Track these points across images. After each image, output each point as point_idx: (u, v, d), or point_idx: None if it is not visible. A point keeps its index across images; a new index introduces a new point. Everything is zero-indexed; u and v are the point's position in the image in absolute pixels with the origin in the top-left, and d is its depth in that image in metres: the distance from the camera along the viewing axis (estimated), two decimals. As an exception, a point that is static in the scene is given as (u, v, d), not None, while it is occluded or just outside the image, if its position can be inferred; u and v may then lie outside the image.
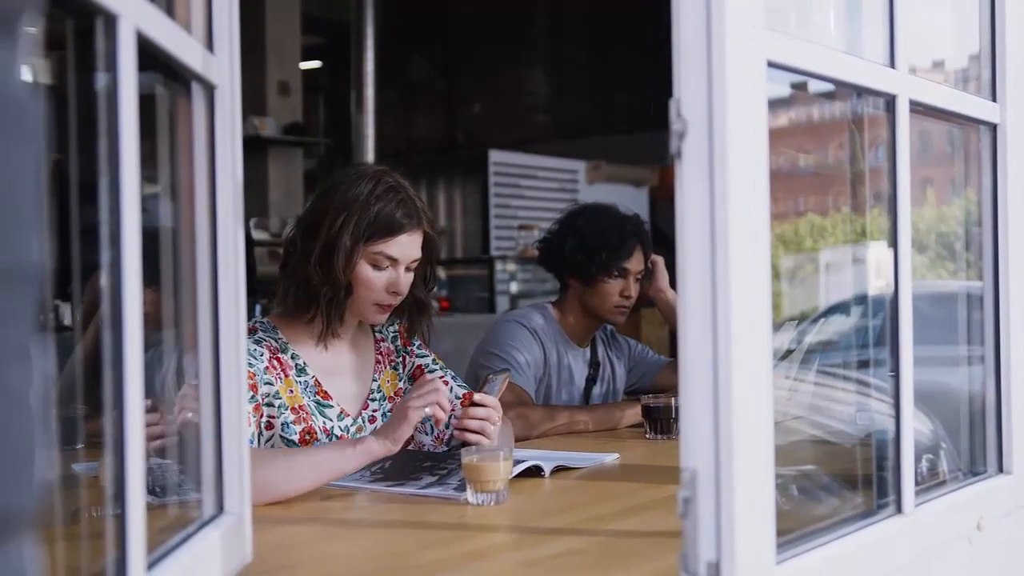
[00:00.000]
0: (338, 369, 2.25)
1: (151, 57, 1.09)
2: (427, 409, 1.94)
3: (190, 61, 1.23)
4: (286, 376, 2.15)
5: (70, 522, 1.17)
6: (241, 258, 1.38)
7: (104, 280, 1.00)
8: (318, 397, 2.18)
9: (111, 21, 0.98)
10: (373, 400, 2.28)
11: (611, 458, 2.31)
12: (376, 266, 2.15)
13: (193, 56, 1.24)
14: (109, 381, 0.98)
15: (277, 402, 2.10)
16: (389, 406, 2.29)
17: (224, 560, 1.30)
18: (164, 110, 1.30)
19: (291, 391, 2.14)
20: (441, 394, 1.97)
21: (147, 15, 1.05)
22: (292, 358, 2.18)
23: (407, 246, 2.17)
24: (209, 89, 1.32)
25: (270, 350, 2.14)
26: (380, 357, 2.34)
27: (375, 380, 2.30)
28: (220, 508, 1.35)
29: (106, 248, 0.99)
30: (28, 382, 0.53)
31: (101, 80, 1.00)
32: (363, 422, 2.24)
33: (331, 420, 2.18)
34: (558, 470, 2.14)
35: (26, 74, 0.55)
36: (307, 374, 2.18)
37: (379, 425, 2.21)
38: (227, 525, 1.33)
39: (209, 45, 1.33)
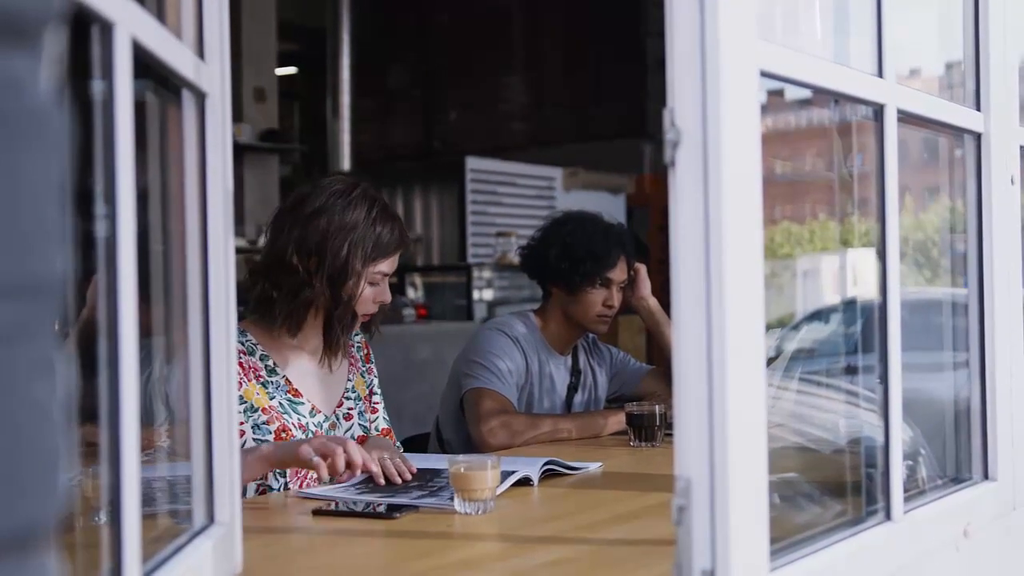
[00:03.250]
0: (311, 369, 2.32)
1: (143, 64, 1.09)
2: (315, 458, 1.92)
3: (182, 69, 1.22)
4: (252, 379, 2.21)
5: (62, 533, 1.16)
6: (232, 267, 1.38)
7: (99, 287, 0.99)
8: (289, 395, 2.25)
9: (107, 29, 0.97)
10: (348, 398, 2.37)
11: (595, 467, 2.31)
12: (372, 284, 2.27)
13: (185, 64, 1.24)
14: (105, 391, 0.98)
15: (242, 406, 2.15)
16: (363, 406, 2.41)
17: (215, 570, 1.29)
18: (154, 118, 1.29)
19: (258, 393, 2.20)
20: (338, 456, 1.94)
21: (142, 22, 1.05)
22: (261, 359, 2.24)
23: (396, 261, 2.32)
24: (200, 97, 1.31)
25: None
26: (352, 360, 2.43)
27: (350, 380, 2.40)
28: (211, 519, 1.34)
29: (101, 255, 0.98)
30: (52, 395, 0.53)
31: (96, 87, 0.99)
32: (337, 419, 2.33)
33: (304, 416, 2.25)
34: (547, 475, 2.14)
35: (50, 83, 0.55)
36: (278, 374, 2.25)
37: (355, 422, 2.35)
38: (218, 536, 1.32)
39: (200, 53, 1.32)
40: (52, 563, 0.54)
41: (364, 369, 2.45)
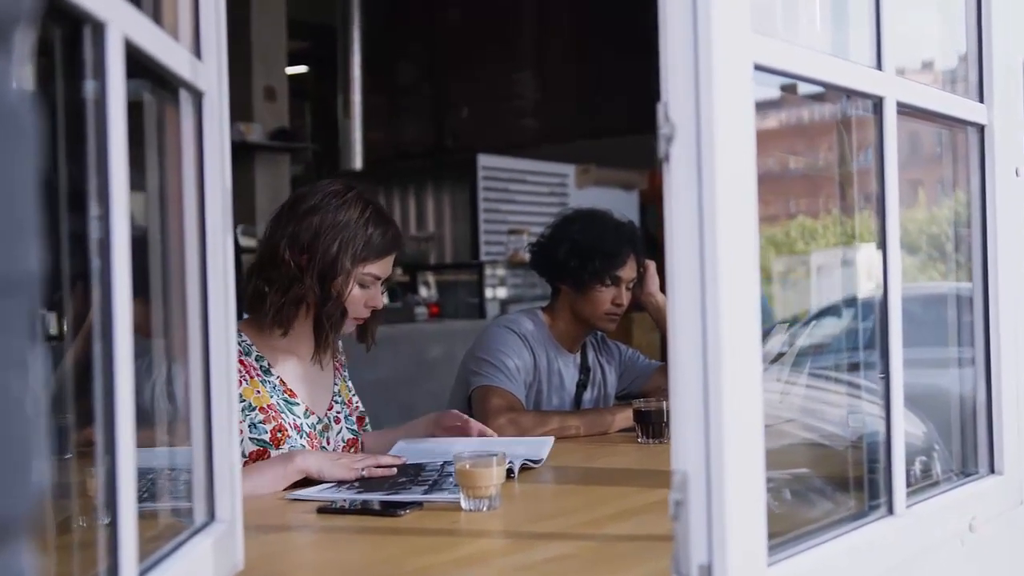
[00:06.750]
0: (302, 372, 2.35)
1: (138, 64, 1.09)
2: (365, 472, 2.11)
3: (177, 68, 1.23)
4: (252, 378, 2.24)
5: (58, 532, 1.17)
6: (230, 267, 1.38)
7: (94, 289, 0.99)
8: (285, 395, 2.28)
9: (99, 28, 0.97)
10: (336, 402, 2.42)
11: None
12: (362, 285, 2.29)
13: (180, 63, 1.24)
14: (100, 391, 0.98)
15: (241, 404, 2.19)
16: (348, 410, 2.44)
17: (216, 568, 1.30)
18: (151, 117, 1.30)
19: (258, 392, 2.24)
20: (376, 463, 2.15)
21: (135, 22, 1.05)
22: (257, 360, 2.28)
23: (390, 265, 2.34)
24: (197, 96, 1.32)
25: None
26: (338, 366, 2.48)
27: (336, 385, 2.44)
28: (211, 516, 1.34)
29: (95, 256, 0.99)
30: (26, 389, 0.53)
31: (89, 87, 0.99)
32: (329, 421, 2.37)
33: (299, 417, 2.29)
34: (523, 469, 2.16)
35: (21, 82, 0.55)
36: (273, 375, 2.28)
37: (343, 426, 2.39)
38: (219, 533, 1.32)
39: (196, 52, 1.32)
40: (26, 555, 0.54)
41: (345, 376, 2.50)
